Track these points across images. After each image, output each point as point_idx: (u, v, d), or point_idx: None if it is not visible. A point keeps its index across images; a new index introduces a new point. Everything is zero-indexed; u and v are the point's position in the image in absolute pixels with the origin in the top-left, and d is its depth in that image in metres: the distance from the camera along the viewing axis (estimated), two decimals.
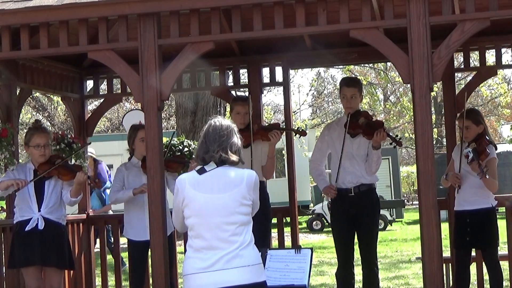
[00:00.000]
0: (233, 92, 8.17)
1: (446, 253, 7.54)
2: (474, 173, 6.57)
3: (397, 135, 6.79)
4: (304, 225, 22.56)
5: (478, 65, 8.12)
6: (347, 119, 6.77)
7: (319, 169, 7.02)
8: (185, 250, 7.85)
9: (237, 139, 4.31)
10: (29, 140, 6.47)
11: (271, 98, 41.72)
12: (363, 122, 6.71)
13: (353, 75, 27.24)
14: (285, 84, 7.96)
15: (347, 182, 6.75)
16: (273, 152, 6.66)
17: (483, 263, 7.08)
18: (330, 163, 7.17)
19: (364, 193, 6.74)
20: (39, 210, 6.37)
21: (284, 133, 7.27)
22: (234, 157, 4.24)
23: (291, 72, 12.22)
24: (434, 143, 5.83)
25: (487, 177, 6.39)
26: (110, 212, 10.82)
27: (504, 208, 7.51)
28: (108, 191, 10.00)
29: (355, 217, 6.71)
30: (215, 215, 4.17)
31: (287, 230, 7.99)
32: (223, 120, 4.34)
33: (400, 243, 16.94)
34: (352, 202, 6.72)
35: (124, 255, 7.20)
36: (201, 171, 4.27)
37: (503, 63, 8.24)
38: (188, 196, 4.23)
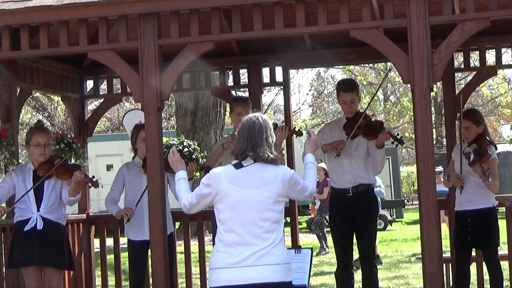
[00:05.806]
0: (233, 92, 8.17)
1: (446, 253, 7.54)
2: (475, 173, 6.56)
3: (398, 134, 6.79)
4: (304, 225, 22.55)
5: (478, 65, 8.12)
6: (347, 121, 6.77)
7: None
8: (185, 249, 7.96)
9: (274, 135, 4.34)
10: (30, 139, 6.47)
11: (271, 98, 41.59)
12: (362, 123, 6.71)
13: (352, 75, 27.26)
14: (285, 84, 7.96)
15: (346, 182, 6.75)
16: (279, 150, 6.58)
17: (483, 263, 7.08)
18: (328, 163, 7.15)
19: (362, 193, 6.73)
20: (38, 210, 6.36)
21: None
22: (273, 155, 4.27)
23: (291, 72, 12.21)
24: (434, 143, 5.82)
25: (490, 180, 6.39)
26: None
27: (504, 208, 7.51)
28: None
29: (354, 217, 6.70)
30: (250, 211, 4.17)
31: (287, 230, 7.90)
32: (264, 116, 4.36)
33: (400, 243, 16.94)
34: (350, 202, 6.71)
35: (124, 255, 7.18)
36: (238, 166, 4.25)
37: (503, 63, 8.23)
38: (223, 190, 4.22)
